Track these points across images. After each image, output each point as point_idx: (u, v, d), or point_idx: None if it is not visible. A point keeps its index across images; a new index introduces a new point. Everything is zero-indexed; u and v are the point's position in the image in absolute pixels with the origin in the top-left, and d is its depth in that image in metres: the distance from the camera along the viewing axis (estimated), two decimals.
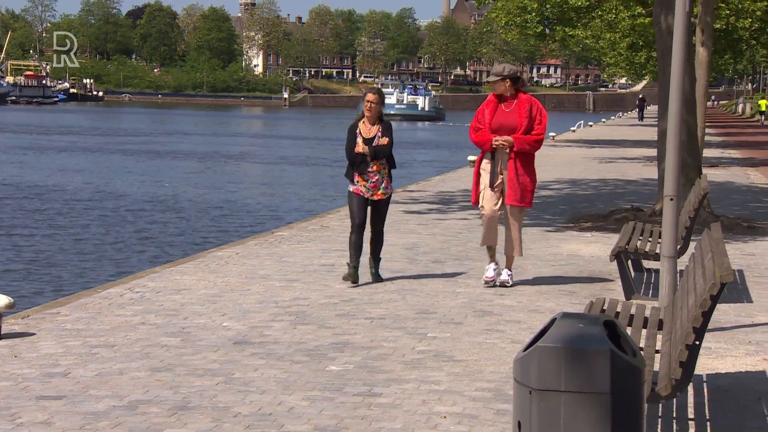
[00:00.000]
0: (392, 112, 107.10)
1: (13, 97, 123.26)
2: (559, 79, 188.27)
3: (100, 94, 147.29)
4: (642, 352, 5.56)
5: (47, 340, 7.57)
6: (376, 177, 9.91)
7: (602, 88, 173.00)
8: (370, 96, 9.96)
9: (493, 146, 9.74)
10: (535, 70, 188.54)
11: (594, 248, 12.67)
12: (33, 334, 7.75)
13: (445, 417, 5.88)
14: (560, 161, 30.03)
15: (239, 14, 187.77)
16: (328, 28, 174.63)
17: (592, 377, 3.33)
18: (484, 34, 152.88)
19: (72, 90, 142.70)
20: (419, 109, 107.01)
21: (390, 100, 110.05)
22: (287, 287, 9.75)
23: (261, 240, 13.13)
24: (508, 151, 9.74)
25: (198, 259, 11.58)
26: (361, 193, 9.93)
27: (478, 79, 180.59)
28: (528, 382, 3.40)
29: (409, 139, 62.20)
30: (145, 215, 22.32)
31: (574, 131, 54.02)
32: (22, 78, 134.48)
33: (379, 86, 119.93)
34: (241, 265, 11.02)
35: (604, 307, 6.62)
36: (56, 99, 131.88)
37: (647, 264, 10.72)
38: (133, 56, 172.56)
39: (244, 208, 24.72)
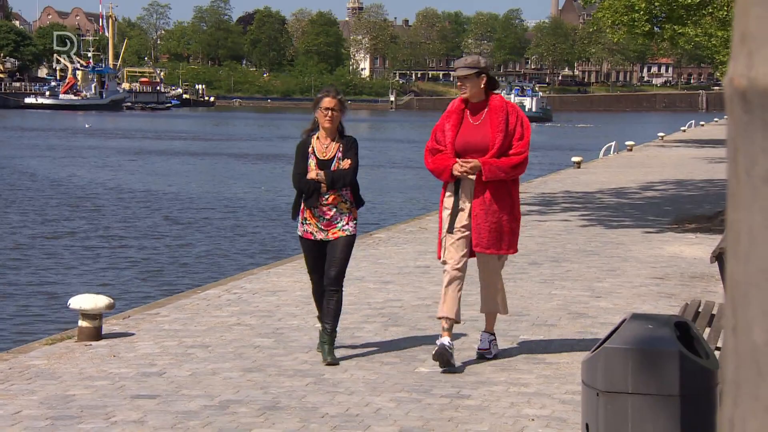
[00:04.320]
0: None
1: (129, 103, 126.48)
2: (670, 79, 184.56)
3: (212, 99, 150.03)
4: None
5: (145, 340, 7.74)
6: (332, 212, 7.19)
7: (716, 87, 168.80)
8: (327, 101, 7.10)
9: (455, 175, 6.94)
10: (645, 70, 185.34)
11: (697, 250, 12.39)
12: (132, 334, 7.93)
13: (533, 420, 5.83)
14: (668, 162, 29.48)
15: (347, 18, 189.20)
16: (434, 31, 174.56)
17: (661, 379, 3.23)
18: (592, 34, 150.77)
19: (185, 96, 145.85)
20: (526, 110, 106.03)
21: None
22: (381, 289, 9.79)
23: (359, 242, 13.08)
24: (474, 179, 6.93)
25: (296, 260, 11.67)
26: (312, 237, 7.23)
27: (586, 80, 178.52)
28: (595, 384, 3.33)
29: None
30: (246, 218, 22.65)
31: (684, 131, 52.96)
32: (138, 84, 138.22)
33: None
34: None
35: (700, 309, 6.47)
36: (170, 104, 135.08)
37: None
38: (244, 62, 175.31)
39: None
